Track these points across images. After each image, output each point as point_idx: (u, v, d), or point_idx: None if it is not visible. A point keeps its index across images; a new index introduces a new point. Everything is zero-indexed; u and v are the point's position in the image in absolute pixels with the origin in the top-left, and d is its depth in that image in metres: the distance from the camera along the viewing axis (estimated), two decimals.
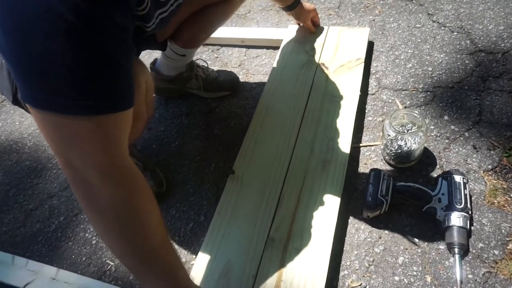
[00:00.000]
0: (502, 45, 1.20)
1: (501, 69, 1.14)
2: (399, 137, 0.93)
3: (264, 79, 1.34)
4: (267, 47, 1.43)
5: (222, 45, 1.49)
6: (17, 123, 1.45)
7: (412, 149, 0.94)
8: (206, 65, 1.28)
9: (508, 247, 0.83)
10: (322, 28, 1.34)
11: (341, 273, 0.86)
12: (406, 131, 0.95)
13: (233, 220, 0.93)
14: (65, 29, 0.45)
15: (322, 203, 0.91)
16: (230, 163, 1.09)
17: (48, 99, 0.48)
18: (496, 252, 0.82)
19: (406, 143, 0.93)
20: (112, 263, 0.98)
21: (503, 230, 0.85)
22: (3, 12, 0.45)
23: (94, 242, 1.04)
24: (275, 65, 1.27)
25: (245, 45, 1.46)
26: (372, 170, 0.93)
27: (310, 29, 1.31)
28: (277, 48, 1.42)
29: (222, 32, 1.36)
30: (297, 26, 1.37)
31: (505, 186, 0.92)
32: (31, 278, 0.94)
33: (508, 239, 0.84)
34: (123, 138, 0.57)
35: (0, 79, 0.74)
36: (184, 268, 0.69)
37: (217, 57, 1.45)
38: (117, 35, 0.50)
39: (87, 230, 1.07)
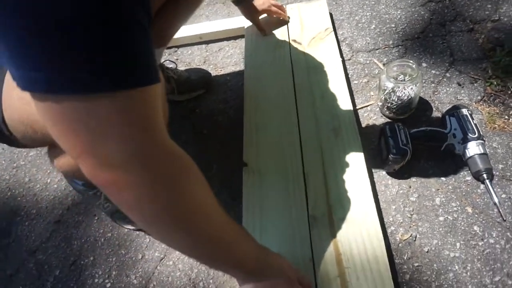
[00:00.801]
0: None
1: (453, 13, 1.23)
2: (400, 87, 0.95)
3: (236, 69, 1.28)
4: (227, 39, 1.38)
5: (179, 46, 1.40)
6: None
7: (412, 96, 0.96)
8: (175, 66, 1.18)
9: None
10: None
11: (388, 230, 0.85)
12: (404, 80, 0.97)
13: (264, 212, 0.86)
14: None
15: (348, 168, 0.89)
16: (233, 158, 1.02)
17: (68, 77, 0.36)
18: None
19: (405, 93, 0.96)
20: None
21: None
22: None
23: (109, 285, 0.89)
24: (245, 52, 1.22)
25: (203, 41, 1.38)
26: (386, 124, 0.93)
27: (282, 16, 1.25)
28: (238, 37, 1.38)
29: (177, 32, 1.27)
30: None
31: (497, 111, 0.99)
32: None
33: None
34: (160, 116, 0.45)
35: None
36: (254, 239, 0.63)
37: (177, 59, 1.36)
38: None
39: (95, 275, 0.91)
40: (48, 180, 1.13)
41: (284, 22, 1.27)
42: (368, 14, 1.31)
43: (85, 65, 0.36)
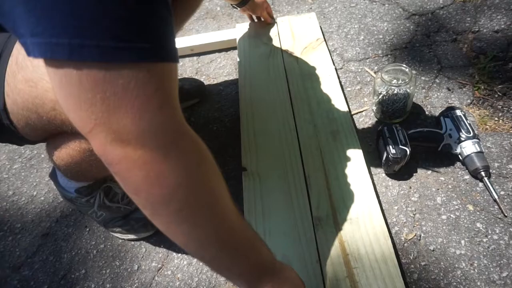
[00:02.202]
0: (427, 7, 1.37)
1: (436, 25, 1.29)
2: (395, 90, 0.97)
3: (228, 79, 1.28)
4: (219, 50, 1.39)
5: None
6: None
7: (407, 99, 0.98)
8: None
9: None
10: (274, 20, 1.35)
11: (393, 230, 0.84)
12: (398, 84, 0.99)
13: (267, 216, 0.84)
14: None
15: (349, 168, 0.89)
16: (231, 165, 1.00)
17: (93, 44, 0.35)
18: (510, 166, 0.90)
19: (399, 96, 0.98)
20: None
21: (506, 147, 0.93)
22: None
23: None
24: (239, 62, 1.23)
25: (195, 53, 1.39)
26: (384, 125, 0.94)
27: (267, 20, 1.31)
28: (229, 49, 1.39)
29: None
30: (245, 24, 1.36)
31: (487, 113, 1.02)
32: None
33: None
34: (177, 97, 0.44)
35: None
36: (264, 243, 0.58)
37: None
38: None
39: (91, 286, 0.85)
40: (34, 193, 1.08)
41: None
42: (356, 26, 1.35)
43: (112, 33, 0.35)
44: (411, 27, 1.31)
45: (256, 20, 1.36)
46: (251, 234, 0.55)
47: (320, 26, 1.38)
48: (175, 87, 0.43)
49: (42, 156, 1.17)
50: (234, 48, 1.35)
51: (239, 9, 1.23)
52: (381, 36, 1.30)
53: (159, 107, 0.40)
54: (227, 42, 1.36)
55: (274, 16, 1.38)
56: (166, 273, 0.85)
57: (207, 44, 1.37)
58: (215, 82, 1.27)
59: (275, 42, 1.27)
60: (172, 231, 0.48)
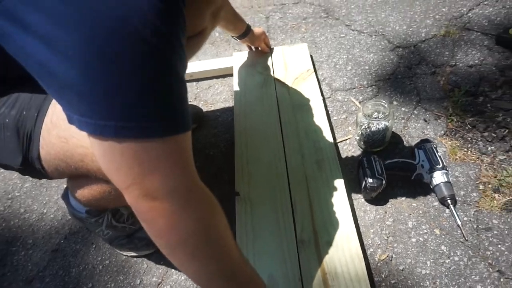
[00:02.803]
0: (411, 40, 1.48)
1: (418, 58, 1.40)
2: (374, 124, 1.07)
3: (225, 105, 1.39)
4: (217, 77, 1.50)
5: None
6: None
7: (385, 131, 1.09)
8: None
9: (480, 188, 1.02)
10: (271, 49, 1.46)
11: (368, 251, 0.94)
12: (378, 117, 1.10)
13: (256, 238, 0.94)
14: (149, 52, 0.45)
15: (331, 196, 0.99)
16: (225, 189, 1.10)
17: (132, 126, 0.46)
18: (475, 194, 1.01)
19: (379, 128, 1.08)
20: None
21: (472, 176, 1.04)
22: (81, 45, 0.43)
23: None
24: (236, 89, 1.34)
25: (194, 79, 1.49)
26: (363, 156, 1.05)
27: (264, 50, 1.42)
28: (226, 76, 1.50)
29: None
30: (242, 53, 1.47)
31: (458, 144, 1.13)
32: None
33: (477, 182, 1.03)
34: (192, 157, 0.55)
35: (1, 142, 0.66)
36: (256, 272, 0.69)
37: None
38: (183, 55, 0.52)
39: None
40: (44, 211, 1.17)
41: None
42: (344, 57, 1.47)
43: (146, 117, 0.47)
44: (395, 59, 1.42)
45: (254, 49, 1.46)
46: (249, 267, 0.67)
47: (311, 55, 1.49)
48: (191, 151, 0.54)
49: None
50: (231, 75, 1.46)
51: (238, 40, 1.34)
52: (367, 67, 1.41)
53: (182, 170, 0.52)
54: (224, 69, 1.47)
55: (270, 42, 1.48)
56: (165, 287, 0.95)
57: (205, 71, 1.48)
58: (212, 108, 1.38)
59: (269, 72, 1.38)
60: (185, 268, 0.60)
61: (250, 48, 1.46)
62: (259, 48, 1.44)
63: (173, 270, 0.98)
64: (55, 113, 0.64)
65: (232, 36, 1.33)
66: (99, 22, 0.43)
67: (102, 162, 0.51)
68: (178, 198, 0.53)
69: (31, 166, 0.69)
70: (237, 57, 1.46)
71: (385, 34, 1.52)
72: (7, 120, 0.65)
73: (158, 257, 1.01)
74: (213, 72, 1.48)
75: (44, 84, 0.49)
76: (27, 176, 1.25)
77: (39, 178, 0.75)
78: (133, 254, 1.02)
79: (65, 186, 0.91)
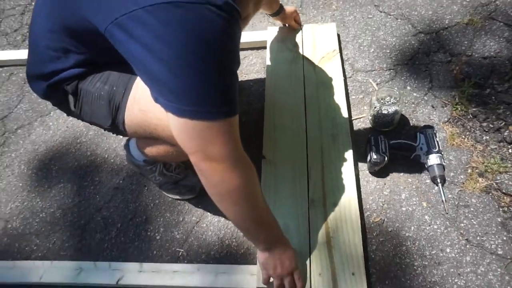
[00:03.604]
0: (434, 26, 1.58)
1: (437, 45, 1.52)
2: (386, 107, 1.25)
3: (257, 76, 1.57)
4: (252, 48, 1.66)
5: None
6: (32, 152, 1.51)
7: (394, 115, 1.26)
8: None
9: (468, 172, 1.20)
10: (301, 26, 1.60)
11: (365, 214, 1.17)
12: (389, 102, 1.27)
13: (278, 193, 1.17)
14: (217, 62, 0.66)
15: (341, 166, 1.20)
16: (253, 152, 1.32)
17: (201, 111, 0.68)
18: (462, 176, 1.20)
19: (389, 112, 1.26)
20: (182, 250, 1.18)
21: (463, 161, 1.23)
22: (172, 55, 0.64)
23: (158, 237, 1.22)
24: (268, 63, 1.51)
25: None
26: (371, 135, 1.24)
27: (294, 27, 1.57)
28: (260, 48, 1.66)
29: None
30: (275, 28, 1.61)
31: (458, 131, 1.29)
32: (120, 275, 1.10)
33: (467, 166, 1.21)
34: (239, 134, 0.77)
35: (95, 108, 0.89)
36: (277, 223, 0.94)
37: None
38: (238, 58, 0.72)
39: (148, 229, 1.24)
40: (106, 156, 1.44)
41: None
42: (369, 38, 1.59)
43: (213, 104, 0.69)
44: (416, 44, 1.54)
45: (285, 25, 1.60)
46: (272, 217, 0.91)
47: (338, 35, 1.62)
48: (238, 127, 0.75)
49: None
50: (264, 47, 1.61)
51: (271, 17, 1.49)
52: (388, 51, 1.54)
53: (233, 142, 0.74)
54: (259, 42, 1.63)
55: (302, 17, 1.61)
56: (202, 225, 1.23)
57: (242, 42, 1.63)
58: (246, 79, 1.57)
59: (299, 49, 1.53)
60: (228, 211, 0.84)
61: (283, 23, 1.60)
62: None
63: (208, 213, 1.25)
64: (138, 92, 0.86)
65: (266, 14, 1.48)
66: (187, 40, 0.64)
67: (177, 133, 0.73)
68: (229, 162, 0.74)
69: (116, 128, 0.92)
70: (271, 31, 1.61)
71: (410, 18, 1.62)
72: (102, 93, 0.88)
73: (197, 202, 1.27)
74: (248, 44, 1.64)
75: (141, 75, 0.71)
76: (92, 126, 1.52)
77: (119, 135, 1.00)
78: (177, 197, 1.29)
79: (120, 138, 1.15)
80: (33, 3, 2.12)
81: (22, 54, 1.84)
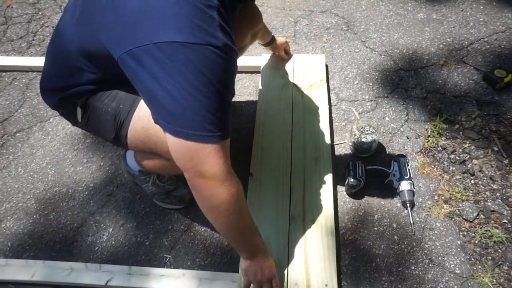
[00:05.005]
0: (413, 64, 1.74)
1: (415, 82, 1.67)
2: (364, 136, 1.37)
3: (250, 98, 1.69)
4: (246, 72, 1.79)
5: None
6: (30, 155, 1.58)
7: (371, 144, 1.39)
8: None
9: (434, 198, 1.33)
10: (290, 55, 1.74)
11: (341, 231, 1.28)
12: (368, 131, 1.39)
13: (261, 208, 1.27)
14: (214, 93, 0.76)
15: (321, 187, 1.31)
16: (241, 170, 1.42)
17: (196, 134, 0.77)
18: (429, 202, 1.32)
19: (366, 141, 1.38)
20: (169, 256, 1.26)
21: (431, 188, 1.35)
22: (176, 85, 0.73)
23: (147, 243, 1.30)
24: (260, 87, 1.63)
25: None
26: (350, 160, 1.36)
27: (283, 58, 1.70)
28: (254, 72, 1.78)
29: None
30: (268, 55, 1.74)
31: (428, 161, 1.43)
32: (109, 277, 1.17)
33: (434, 193, 1.34)
34: (229, 155, 0.87)
35: (101, 122, 0.99)
36: (260, 234, 1.03)
37: None
38: (234, 89, 0.83)
39: (138, 235, 1.32)
40: (102, 163, 1.52)
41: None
42: (354, 71, 1.74)
43: (207, 129, 0.78)
44: (396, 80, 1.69)
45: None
46: (256, 229, 1.01)
47: (327, 65, 1.76)
48: (229, 148, 0.85)
49: None
50: (258, 72, 1.74)
51: (264, 47, 1.62)
52: (371, 84, 1.68)
53: (223, 162, 0.83)
54: (253, 67, 1.76)
55: (295, 46, 1.74)
56: (189, 234, 1.31)
57: (237, 66, 1.76)
58: (239, 100, 1.68)
59: (290, 76, 1.67)
60: (214, 221, 0.92)
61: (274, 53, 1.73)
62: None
63: (195, 223, 1.34)
64: (141, 111, 0.96)
65: (259, 43, 1.61)
66: (188, 73, 0.74)
67: (173, 150, 0.82)
68: (218, 179, 0.84)
69: (119, 141, 1.02)
70: (264, 58, 1.74)
71: (393, 55, 1.78)
72: (109, 109, 0.98)
73: (185, 212, 1.36)
74: (243, 68, 1.77)
75: (144, 98, 0.81)
76: (89, 134, 1.60)
77: (120, 147, 1.09)
78: (168, 206, 1.37)
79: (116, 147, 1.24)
80: (40, 13, 2.22)
81: (25, 60, 1.93)
